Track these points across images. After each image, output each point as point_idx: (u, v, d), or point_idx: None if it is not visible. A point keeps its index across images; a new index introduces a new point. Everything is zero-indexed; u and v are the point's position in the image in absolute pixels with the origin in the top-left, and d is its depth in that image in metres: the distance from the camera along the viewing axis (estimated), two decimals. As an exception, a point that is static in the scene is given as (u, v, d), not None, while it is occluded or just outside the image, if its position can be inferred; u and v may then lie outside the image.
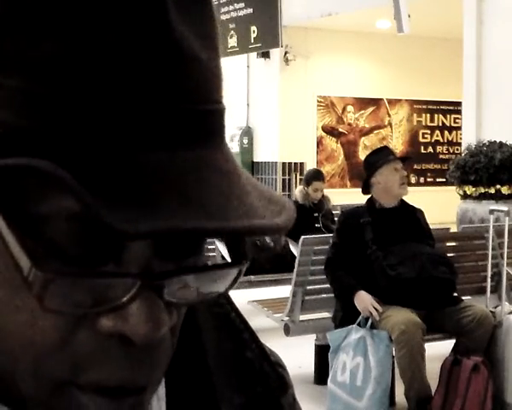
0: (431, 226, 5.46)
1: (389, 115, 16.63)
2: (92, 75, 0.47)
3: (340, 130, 16.09)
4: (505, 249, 5.58)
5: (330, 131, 16.00)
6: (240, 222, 0.48)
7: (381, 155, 5.33)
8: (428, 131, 17.20)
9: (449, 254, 5.74)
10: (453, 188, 9.97)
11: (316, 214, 7.89)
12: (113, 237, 0.45)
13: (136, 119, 0.48)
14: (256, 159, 15.65)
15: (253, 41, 14.59)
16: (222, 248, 7.60)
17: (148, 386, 0.53)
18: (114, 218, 0.44)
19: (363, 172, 5.53)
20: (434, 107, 17.11)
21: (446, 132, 17.38)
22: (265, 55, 15.02)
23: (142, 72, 0.48)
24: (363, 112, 16.29)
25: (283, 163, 15.14)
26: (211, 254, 7.67)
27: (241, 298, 7.25)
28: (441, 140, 17.34)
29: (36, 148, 0.46)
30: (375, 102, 16.41)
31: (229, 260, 0.55)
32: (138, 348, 0.50)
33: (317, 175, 8.25)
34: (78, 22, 0.47)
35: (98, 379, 0.51)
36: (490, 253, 5.49)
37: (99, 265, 0.49)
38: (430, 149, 17.21)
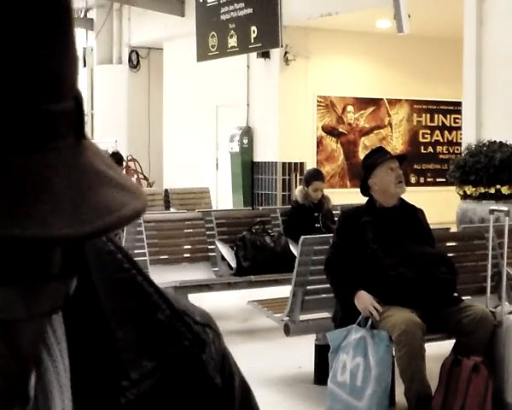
0: (431, 226, 5.46)
1: (389, 115, 16.62)
2: None
3: (340, 130, 16.08)
4: (505, 249, 5.58)
5: (330, 131, 15.99)
6: (68, 230, 0.48)
7: (376, 156, 5.33)
8: (428, 131, 17.19)
9: (449, 254, 5.74)
10: (453, 188, 9.97)
11: (316, 214, 7.88)
12: None
13: None
14: (256, 159, 15.64)
15: (253, 41, 14.59)
16: (221, 248, 7.60)
17: None
18: None
19: (361, 173, 5.53)
20: (434, 107, 17.10)
21: (446, 132, 17.37)
22: (265, 55, 15.01)
23: None
24: (363, 112, 16.29)
25: (283, 163, 15.13)
26: (210, 254, 7.68)
27: (241, 298, 7.26)
28: (441, 140, 17.33)
29: None
30: (375, 102, 16.40)
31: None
32: None
33: (316, 175, 8.25)
34: None
35: None
36: (490, 253, 5.49)
37: None
38: (430, 149, 17.20)
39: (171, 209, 11.32)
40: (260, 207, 11.60)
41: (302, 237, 5.78)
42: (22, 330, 0.53)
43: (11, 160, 0.48)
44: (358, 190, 5.46)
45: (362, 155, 15.84)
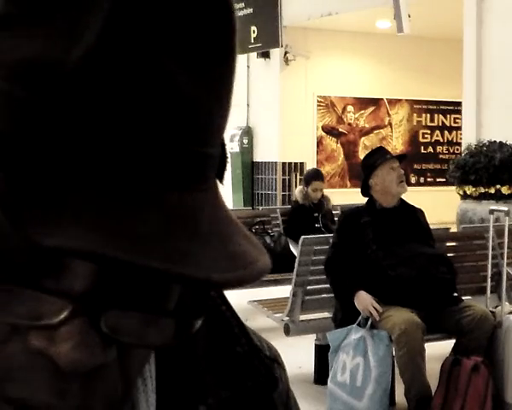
0: (431, 226, 5.46)
1: (389, 115, 16.63)
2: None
3: (340, 130, 16.09)
4: (505, 249, 5.58)
5: (330, 131, 16.00)
6: (211, 273, 0.47)
7: (377, 156, 5.33)
8: (428, 131, 17.19)
9: (449, 254, 5.74)
10: (453, 188, 9.97)
11: (316, 214, 7.89)
12: (48, 253, 0.44)
13: (160, 162, 0.47)
14: (256, 159, 15.64)
15: (253, 41, 14.59)
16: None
17: None
18: (31, 230, 0.43)
19: (362, 173, 5.53)
20: (434, 107, 17.11)
21: (446, 132, 17.37)
22: (265, 55, 15.01)
23: (158, 125, 0.47)
24: (363, 112, 16.29)
25: (283, 163, 15.13)
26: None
27: (241, 298, 7.26)
28: (441, 140, 17.33)
29: (9, 153, 0.45)
30: (375, 102, 16.40)
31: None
32: (68, 375, 0.48)
33: (316, 175, 8.25)
34: (69, 25, 0.46)
35: (22, 397, 0.49)
36: (490, 253, 5.49)
37: (40, 277, 0.47)
38: (430, 149, 17.20)
39: (171, 209, 11.30)
40: (260, 207, 11.60)
41: (302, 237, 5.78)
42: (134, 355, 0.53)
43: (166, 195, 0.48)
44: (358, 190, 5.46)
45: (362, 155, 15.85)
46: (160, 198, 0.47)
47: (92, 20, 0.45)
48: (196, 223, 0.49)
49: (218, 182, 0.54)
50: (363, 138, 16.28)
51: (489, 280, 5.43)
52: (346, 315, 5.01)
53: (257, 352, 0.71)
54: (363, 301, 4.88)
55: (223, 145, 0.54)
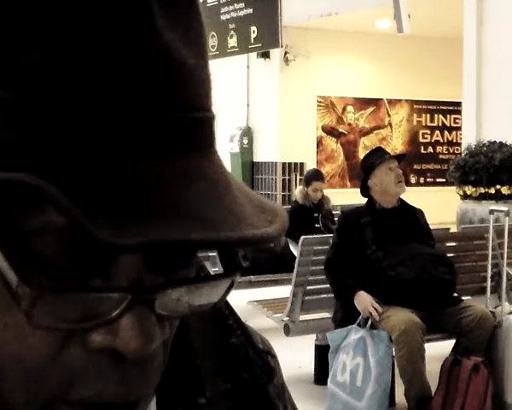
0: (431, 226, 5.46)
1: (389, 115, 16.63)
2: (80, 85, 0.46)
3: (340, 130, 16.09)
4: (505, 249, 5.58)
5: (330, 131, 16.00)
6: (230, 233, 0.47)
7: (375, 157, 5.32)
8: (428, 132, 17.20)
9: (449, 254, 5.74)
10: (453, 188, 9.97)
11: (316, 214, 7.88)
12: (102, 250, 0.44)
13: (128, 128, 0.47)
14: (256, 159, 15.65)
15: (253, 41, 14.59)
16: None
17: (139, 401, 0.52)
18: (102, 231, 0.43)
19: (361, 174, 5.53)
20: (434, 107, 17.11)
21: (446, 132, 17.37)
22: (265, 55, 15.02)
23: (131, 80, 0.47)
24: (363, 112, 16.29)
25: (283, 163, 15.14)
26: (210, 254, 7.68)
27: (241, 298, 7.26)
28: (441, 140, 17.34)
29: (24, 160, 0.45)
30: (375, 102, 16.40)
31: (221, 269, 0.54)
32: (130, 363, 0.49)
33: (316, 175, 8.25)
34: (66, 32, 0.46)
35: (89, 396, 0.50)
36: (490, 253, 5.49)
37: (88, 279, 0.48)
38: (430, 149, 17.21)
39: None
40: (260, 208, 11.58)
41: (302, 237, 5.78)
42: (174, 325, 0.54)
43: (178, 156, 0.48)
44: (358, 190, 5.46)
45: (362, 155, 15.83)
46: (195, 168, 0.48)
47: None
48: (226, 183, 0.50)
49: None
50: (363, 138, 16.28)
51: (489, 280, 5.43)
52: (345, 315, 5.01)
53: (252, 344, 0.71)
54: (363, 301, 4.88)
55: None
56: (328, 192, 8.62)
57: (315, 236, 6.28)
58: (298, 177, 14.65)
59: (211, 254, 7.64)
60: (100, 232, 0.43)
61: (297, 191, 8.34)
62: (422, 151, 17.08)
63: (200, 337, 0.68)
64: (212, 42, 15.65)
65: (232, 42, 15.14)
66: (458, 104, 13.89)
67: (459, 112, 13.91)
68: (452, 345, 5.02)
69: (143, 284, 0.49)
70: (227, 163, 15.86)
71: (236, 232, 0.48)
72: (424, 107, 17.02)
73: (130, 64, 0.47)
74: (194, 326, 0.67)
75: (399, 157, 5.61)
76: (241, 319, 0.73)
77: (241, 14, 14.84)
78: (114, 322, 0.48)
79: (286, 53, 14.87)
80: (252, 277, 7.37)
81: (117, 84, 0.46)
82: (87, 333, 0.49)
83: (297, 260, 5.72)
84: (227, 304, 0.71)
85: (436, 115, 17.21)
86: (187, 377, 0.66)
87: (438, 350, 5.23)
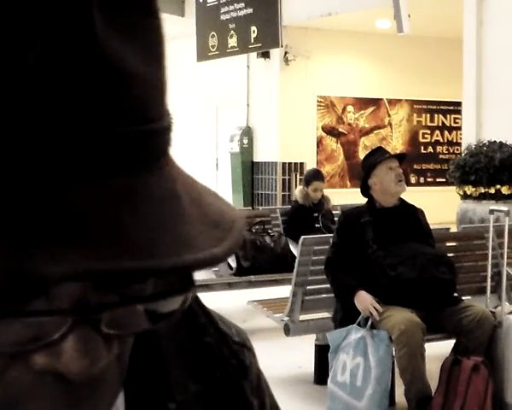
0: (431, 226, 5.46)
1: (389, 115, 16.63)
2: (9, 104, 0.43)
3: (340, 130, 16.09)
4: (505, 249, 5.57)
5: (330, 131, 16.00)
6: (167, 259, 0.45)
7: (376, 156, 5.32)
8: (428, 131, 17.20)
9: (449, 254, 5.74)
10: (453, 188, 9.97)
11: (316, 214, 7.88)
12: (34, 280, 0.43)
13: (66, 147, 0.44)
14: (256, 159, 15.64)
15: (253, 41, 14.59)
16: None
17: None
18: (33, 262, 0.42)
19: (362, 173, 5.53)
20: (434, 107, 17.11)
21: (446, 132, 17.37)
22: (265, 55, 15.01)
23: (66, 95, 0.44)
24: (363, 112, 16.29)
25: (283, 163, 15.14)
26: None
27: (241, 298, 7.26)
28: (441, 140, 17.33)
29: None
30: (375, 102, 16.40)
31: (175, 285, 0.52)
32: (76, 384, 0.48)
33: (316, 175, 8.25)
34: None
35: None
36: (490, 253, 5.49)
37: (28, 302, 0.46)
38: (430, 149, 17.21)
39: (171, 209, 11.29)
40: (260, 207, 11.60)
41: (302, 237, 5.78)
42: (129, 341, 0.53)
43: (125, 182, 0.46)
44: (358, 190, 5.45)
45: (362, 155, 15.85)
46: (129, 188, 0.46)
47: None
48: (174, 199, 0.48)
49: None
50: (363, 138, 16.28)
51: (489, 280, 5.43)
52: (345, 315, 5.01)
53: (225, 341, 0.70)
54: (364, 301, 4.88)
55: (168, 113, 0.51)
56: (328, 192, 8.61)
57: (315, 236, 6.28)
58: (298, 177, 14.65)
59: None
60: (30, 262, 0.42)
61: (297, 191, 8.34)
62: (422, 151, 17.08)
63: (171, 340, 0.66)
64: (212, 42, 15.65)
65: (232, 42, 15.14)
66: (458, 104, 13.89)
67: (459, 112, 13.91)
68: (452, 345, 5.02)
69: (88, 303, 0.47)
70: (227, 163, 15.86)
71: (172, 259, 0.45)
72: (424, 107, 17.01)
73: (67, 77, 0.43)
74: (164, 330, 0.65)
75: (400, 157, 5.60)
76: (214, 317, 0.71)
77: (241, 14, 14.84)
78: (57, 344, 0.47)
79: (286, 53, 14.87)
80: (252, 277, 7.37)
81: (50, 99, 0.43)
82: (30, 355, 0.47)
83: (297, 260, 5.72)
84: (199, 302, 0.70)
85: (436, 115, 17.20)
86: (156, 383, 0.64)
87: (438, 350, 5.23)
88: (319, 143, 15.85)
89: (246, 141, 15.59)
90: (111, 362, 0.50)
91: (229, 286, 7.44)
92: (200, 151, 17.01)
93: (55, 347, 0.47)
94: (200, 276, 7.37)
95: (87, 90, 0.44)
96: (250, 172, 15.65)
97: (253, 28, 14.49)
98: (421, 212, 5.38)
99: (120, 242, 0.44)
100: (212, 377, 0.68)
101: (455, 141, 17.00)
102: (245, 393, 0.70)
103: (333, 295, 5.25)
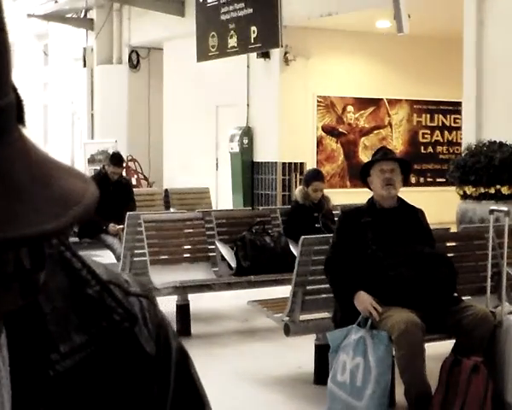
0: (431, 226, 5.46)
1: (389, 115, 16.62)
2: None
3: (340, 130, 16.08)
4: (505, 249, 5.58)
5: (330, 131, 15.99)
6: None
7: (378, 156, 5.33)
8: (428, 131, 17.18)
9: (449, 254, 5.74)
10: (453, 188, 9.97)
11: (316, 214, 7.88)
12: None
13: None
14: (256, 159, 15.64)
15: (253, 41, 14.58)
16: (221, 248, 7.60)
17: None
18: None
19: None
20: (434, 107, 17.09)
21: (446, 132, 17.36)
22: (265, 55, 15.01)
23: None
24: (363, 112, 16.28)
25: (283, 163, 15.13)
26: (210, 254, 7.68)
27: (241, 298, 7.26)
28: (441, 140, 17.32)
29: None
30: (375, 102, 16.40)
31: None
32: None
33: (316, 175, 8.25)
34: None
35: None
36: (490, 253, 5.49)
37: None
38: (430, 149, 17.19)
39: (171, 209, 11.31)
40: (260, 207, 11.59)
41: (302, 237, 5.78)
42: None
43: None
44: (358, 190, 5.47)
45: (362, 155, 15.87)
46: None
47: None
48: (11, 178, 0.48)
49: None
50: (363, 138, 16.27)
51: (489, 280, 5.43)
52: (345, 315, 5.01)
53: (110, 291, 0.72)
54: (363, 301, 4.88)
55: (15, 90, 0.52)
56: (328, 192, 8.61)
57: (315, 236, 6.28)
58: (298, 177, 14.65)
59: (211, 254, 7.64)
60: None
61: (297, 191, 8.34)
62: (422, 151, 17.07)
63: (49, 294, 0.68)
64: (212, 42, 15.64)
65: (232, 42, 15.13)
66: (458, 104, 13.87)
67: (459, 112, 13.90)
68: (452, 345, 5.02)
69: None
70: (227, 163, 15.86)
71: None
72: (424, 107, 17.00)
73: None
74: (43, 287, 0.66)
75: (402, 163, 5.44)
76: (99, 267, 0.73)
77: (241, 14, 14.83)
78: None
79: (286, 53, 14.86)
80: (252, 277, 7.37)
81: None
82: None
83: (297, 260, 5.72)
84: (77, 256, 0.71)
85: (436, 115, 17.19)
86: (37, 337, 0.66)
87: (438, 350, 5.23)
88: (319, 143, 15.84)
89: (246, 141, 15.58)
90: None
91: (229, 286, 7.44)
92: (200, 151, 17.00)
93: None
94: (200, 276, 7.37)
95: None
96: (250, 172, 15.64)
97: (253, 28, 14.48)
98: (421, 212, 5.38)
99: None
100: (97, 327, 0.70)
101: (455, 141, 16.99)
102: (138, 339, 0.73)
103: (333, 295, 5.25)
